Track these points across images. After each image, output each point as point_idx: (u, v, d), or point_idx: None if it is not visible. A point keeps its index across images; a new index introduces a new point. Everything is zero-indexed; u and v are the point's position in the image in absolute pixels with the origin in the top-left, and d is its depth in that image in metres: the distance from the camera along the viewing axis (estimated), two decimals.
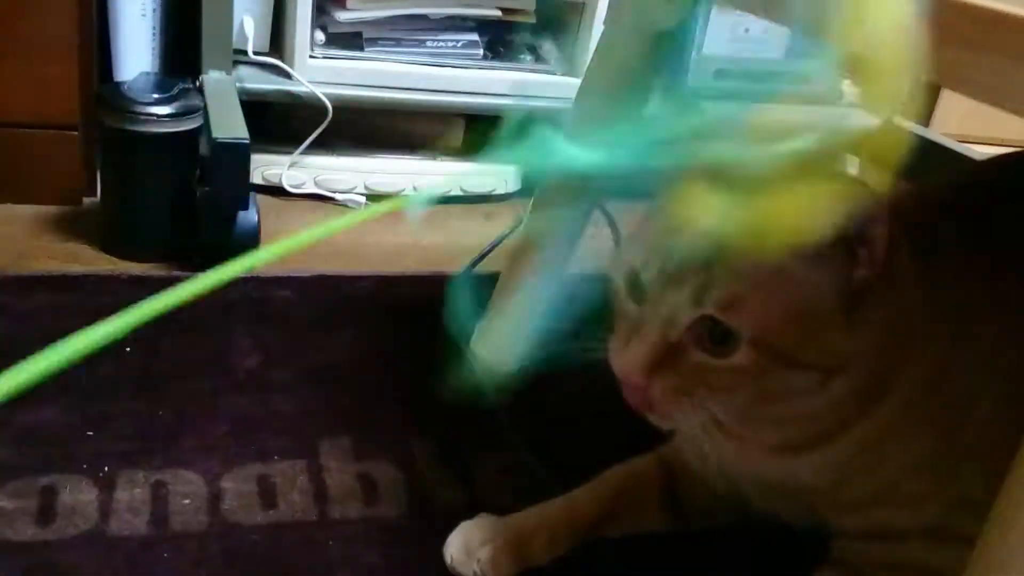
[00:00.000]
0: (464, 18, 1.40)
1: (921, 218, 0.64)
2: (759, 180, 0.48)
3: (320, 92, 1.30)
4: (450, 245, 1.30)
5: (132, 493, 0.76)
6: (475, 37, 1.41)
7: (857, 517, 0.68)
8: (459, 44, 1.40)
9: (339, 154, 1.40)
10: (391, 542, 0.74)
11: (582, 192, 0.92)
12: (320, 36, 1.35)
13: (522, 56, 1.44)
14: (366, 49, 1.36)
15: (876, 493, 0.66)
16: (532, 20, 1.45)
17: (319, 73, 1.33)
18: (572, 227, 0.95)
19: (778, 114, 0.52)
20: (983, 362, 0.64)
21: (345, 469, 0.82)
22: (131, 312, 0.39)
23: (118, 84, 1.14)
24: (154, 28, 1.29)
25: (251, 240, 1.14)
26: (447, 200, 1.44)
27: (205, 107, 1.15)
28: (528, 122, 0.55)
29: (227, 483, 0.78)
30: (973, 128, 1.62)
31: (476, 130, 1.51)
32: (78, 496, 0.75)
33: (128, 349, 0.94)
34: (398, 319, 1.09)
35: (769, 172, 0.48)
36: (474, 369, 0.98)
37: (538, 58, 1.45)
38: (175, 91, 1.12)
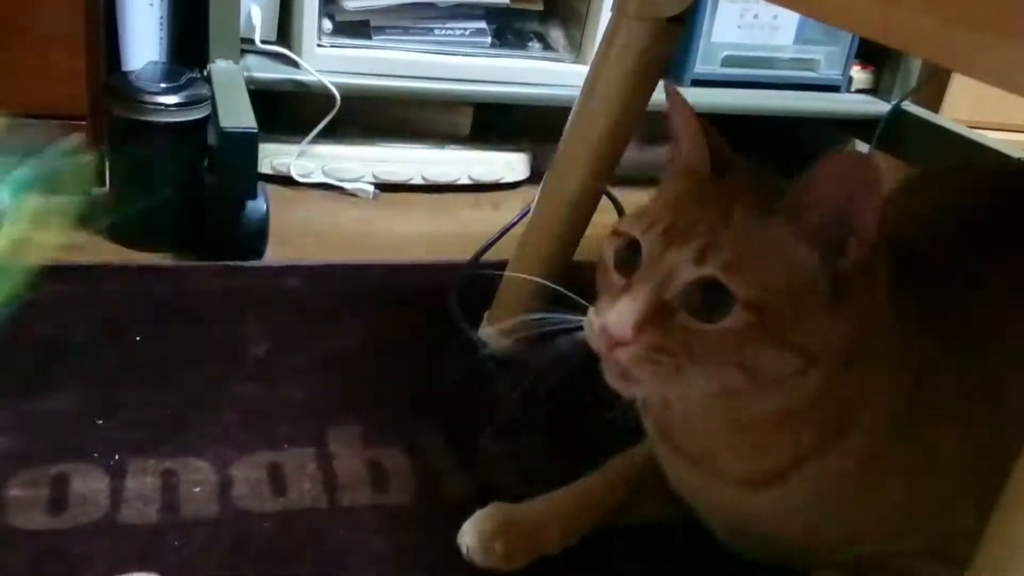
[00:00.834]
0: (472, 6, 1.39)
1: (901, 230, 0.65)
2: None
3: (328, 81, 1.30)
4: (458, 233, 1.30)
5: (143, 481, 0.76)
6: (483, 25, 1.41)
7: (835, 557, 0.67)
8: (467, 32, 1.40)
9: (347, 143, 1.39)
10: (401, 529, 0.75)
11: None
12: (328, 25, 1.34)
13: (530, 44, 1.43)
14: (374, 38, 1.36)
15: (853, 535, 0.65)
16: (540, 7, 1.44)
17: (327, 62, 1.32)
18: None
19: None
20: (963, 394, 0.63)
21: (354, 456, 0.82)
22: None
23: (126, 74, 1.14)
24: (161, 17, 1.29)
25: (259, 229, 1.14)
26: (456, 188, 1.44)
27: (213, 96, 1.15)
28: None
29: (237, 471, 0.78)
30: (984, 114, 1.61)
31: (484, 118, 1.51)
32: (89, 484, 0.75)
33: (138, 338, 0.95)
34: (406, 307, 1.09)
35: None
36: (482, 356, 0.99)
37: (546, 46, 1.45)
38: (183, 80, 1.12)
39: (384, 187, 1.41)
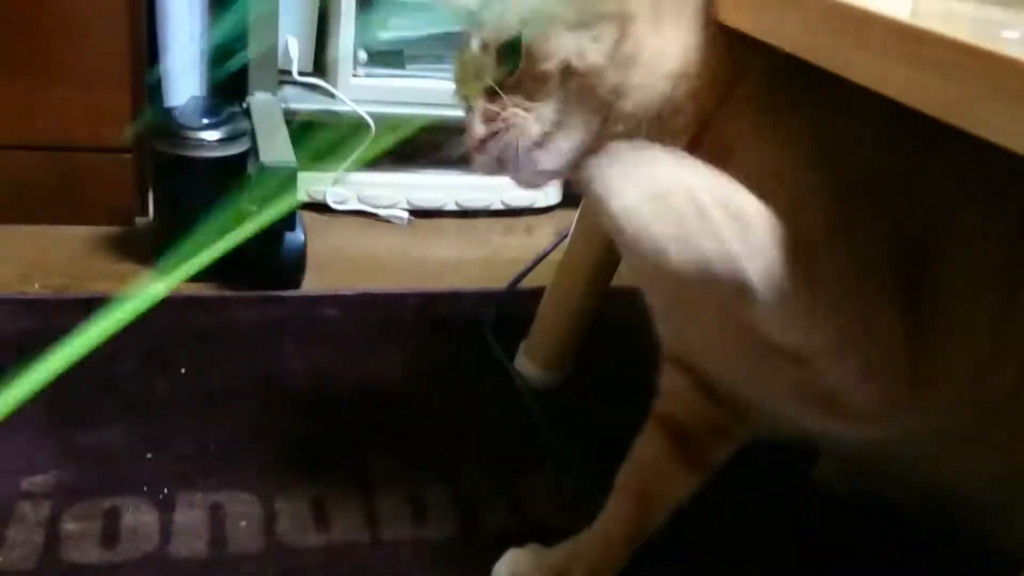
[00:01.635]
0: None
1: None
2: None
3: (362, 110, 1.33)
4: (492, 259, 1.31)
5: (191, 514, 0.78)
6: None
7: None
8: None
9: (382, 170, 1.42)
10: (440, 565, 0.76)
11: None
12: (362, 55, 1.37)
13: None
14: (407, 67, 1.39)
15: None
16: None
17: (361, 92, 1.35)
18: None
19: None
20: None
21: (394, 489, 0.84)
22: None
23: (169, 110, 1.17)
24: (201, 51, 1.33)
25: (298, 259, 1.17)
26: (489, 213, 1.46)
27: (252, 129, 1.18)
28: None
29: (281, 504, 0.81)
30: None
31: None
32: (140, 518, 0.77)
33: (183, 370, 0.97)
34: (443, 336, 1.11)
35: None
36: (519, 386, 1.00)
37: None
38: (224, 115, 1.15)
39: (417, 213, 1.43)
